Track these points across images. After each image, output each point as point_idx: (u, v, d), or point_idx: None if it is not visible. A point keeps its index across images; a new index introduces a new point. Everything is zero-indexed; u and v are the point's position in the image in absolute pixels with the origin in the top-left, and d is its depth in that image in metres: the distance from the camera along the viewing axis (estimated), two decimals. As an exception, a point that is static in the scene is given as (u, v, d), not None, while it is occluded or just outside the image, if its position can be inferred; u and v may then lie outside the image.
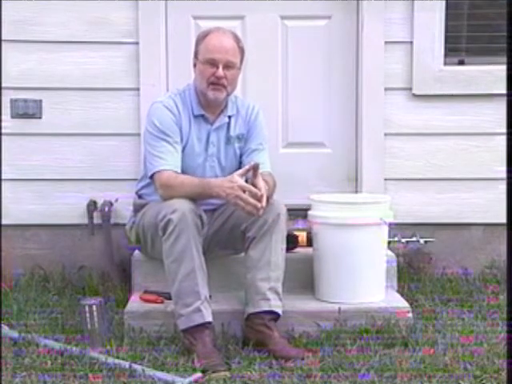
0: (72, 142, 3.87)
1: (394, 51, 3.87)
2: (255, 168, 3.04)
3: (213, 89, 3.17)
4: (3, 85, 3.79)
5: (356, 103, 3.95)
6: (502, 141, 3.78)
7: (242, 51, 3.24)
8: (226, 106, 3.30)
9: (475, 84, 3.87)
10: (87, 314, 3.05)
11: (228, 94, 3.24)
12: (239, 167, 3.29)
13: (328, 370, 2.82)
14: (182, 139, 3.23)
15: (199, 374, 2.77)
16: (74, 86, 3.84)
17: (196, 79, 3.25)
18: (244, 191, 2.99)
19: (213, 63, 3.16)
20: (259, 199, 2.99)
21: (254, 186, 3.02)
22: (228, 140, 3.32)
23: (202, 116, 3.27)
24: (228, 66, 3.17)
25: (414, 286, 3.74)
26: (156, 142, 3.19)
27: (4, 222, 3.82)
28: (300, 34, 3.93)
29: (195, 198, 3.09)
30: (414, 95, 3.88)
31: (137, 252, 3.50)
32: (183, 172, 3.20)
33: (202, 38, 3.22)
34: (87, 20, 3.80)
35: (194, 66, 3.26)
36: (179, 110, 3.24)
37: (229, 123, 3.32)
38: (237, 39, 3.23)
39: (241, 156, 3.35)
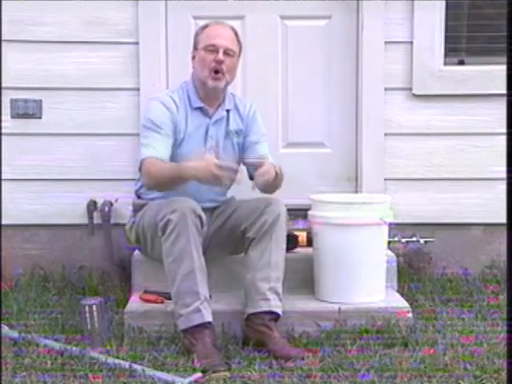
0: (72, 142, 3.87)
1: (393, 51, 3.87)
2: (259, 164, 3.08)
3: (213, 77, 3.20)
4: (3, 85, 3.80)
5: (356, 103, 3.95)
6: (502, 141, 3.77)
7: (239, 44, 3.31)
8: (223, 100, 3.32)
9: (475, 84, 3.87)
10: (87, 314, 3.05)
11: (227, 83, 3.26)
12: (237, 162, 3.31)
13: (328, 370, 2.81)
14: (179, 135, 3.24)
15: (199, 374, 2.77)
16: (73, 86, 3.84)
17: (196, 69, 3.28)
18: (221, 168, 2.97)
19: (213, 49, 3.20)
20: (236, 171, 3.00)
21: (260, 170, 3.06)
22: (227, 134, 3.34)
23: (201, 109, 3.29)
24: (227, 53, 3.22)
25: (414, 286, 3.74)
26: (147, 133, 3.22)
27: (4, 222, 3.82)
28: (300, 33, 3.93)
29: (174, 183, 3.09)
30: (414, 95, 3.88)
31: (137, 252, 3.50)
32: None
33: (201, 29, 3.30)
34: (87, 20, 3.80)
35: (193, 58, 3.29)
36: (177, 105, 3.26)
37: (227, 117, 3.34)
38: (235, 32, 3.31)
39: (243, 152, 3.35)
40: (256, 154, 3.33)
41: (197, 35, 3.30)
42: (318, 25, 3.94)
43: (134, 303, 3.30)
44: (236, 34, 3.29)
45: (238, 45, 3.29)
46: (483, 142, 3.91)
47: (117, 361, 2.85)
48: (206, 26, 3.29)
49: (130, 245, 3.44)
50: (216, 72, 3.20)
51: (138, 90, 3.84)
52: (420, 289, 3.72)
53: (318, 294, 3.39)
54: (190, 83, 3.32)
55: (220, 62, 3.19)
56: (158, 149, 3.18)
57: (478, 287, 3.76)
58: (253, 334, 3.07)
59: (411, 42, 3.85)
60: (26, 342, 3.04)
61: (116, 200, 3.82)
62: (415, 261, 3.92)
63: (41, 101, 3.84)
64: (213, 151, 3.29)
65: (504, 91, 3.55)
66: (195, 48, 3.28)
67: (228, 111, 3.34)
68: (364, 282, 3.31)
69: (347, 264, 3.28)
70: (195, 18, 3.90)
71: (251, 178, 3.27)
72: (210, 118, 3.31)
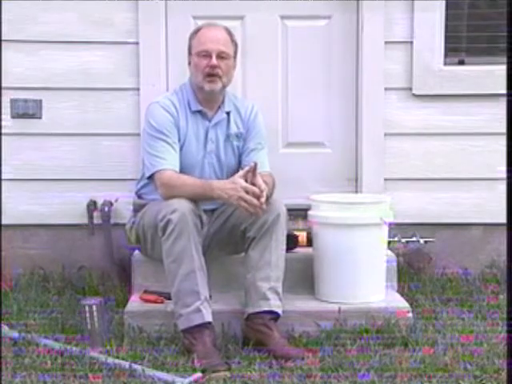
0: (72, 142, 3.87)
1: (394, 51, 3.87)
2: (254, 168, 3.05)
3: (208, 81, 3.19)
4: (3, 85, 3.79)
5: (356, 103, 3.95)
6: (502, 141, 3.77)
7: (235, 44, 3.28)
8: (223, 102, 3.31)
9: (475, 84, 3.87)
10: (87, 314, 3.05)
11: (224, 86, 3.25)
12: (238, 165, 3.34)
13: (328, 369, 2.82)
14: (179, 138, 3.24)
15: (199, 374, 2.77)
16: (73, 86, 3.84)
17: (192, 74, 3.28)
18: (247, 192, 3.00)
19: (206, 54, 3.19)
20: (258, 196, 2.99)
21: (254, 184, 3.03)
22: (227, 137, 3.34)
23: (200, 112, 3.29)
24: (221, 56, 3.19)
25: (413, 285, 3.74)
26: (154, 142, 3.20)
27: (4, 221, 3.82)
28: (300, 33, 3.93)
29: (196, 199, 3.09)
30: (414, 95, 3.88)
31: (137, 252, 3.50)
32: (181, 170, 3.20)
33: (194, 33, 3.28)
34: (87, 20, 3.80)
35: (189, 64, 3.29)
36: (177, 109, 3.25)
37: (228, 120, 3.33)
38: (229, 32, 3.27)
39: (240, 156, 3.36)
40: (252, 160, 3.32)
41: (190, 38, 3.28)
42: (317, 25, 3.94)
43: (134, 303, 3.30)
44: (230, 34, 3.26)
45: (232, 45, 3.26)
46: (483, 142, 3.91)
47: (117, 361, 2.85)
48: (197, 30, 3.27)
49: (130, 245, 3.44)
50: (211, 75, 3.19)
51: (138, 89, 3.83)
52: (420, 289, 3.72)
53: (317, 293, 3.39)
54: (188, 87, 3.31)
55: (214, 67, 3.18)
56: (169, 160, 3.17)
57: (478, 287, 3.76)
58: (253, 333, 3.07)
59: (411, 42, 3.85)
60: (25, 342, 3.04)
61: (116, 200, 3.82)
62: (415, 261, 3.92)
63: (41, 101, 3.84)
64: (213, 154, 3.29)
65: (504, 91, 3.56)
66: (189, 53, 3.27)
67: (228, 113, 3.33)
68: (364, 281, 3.31)
69: (347, 264, 3.28)
70: (195, 17, 3.90)
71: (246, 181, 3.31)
72: (209, 120, 3.30)
